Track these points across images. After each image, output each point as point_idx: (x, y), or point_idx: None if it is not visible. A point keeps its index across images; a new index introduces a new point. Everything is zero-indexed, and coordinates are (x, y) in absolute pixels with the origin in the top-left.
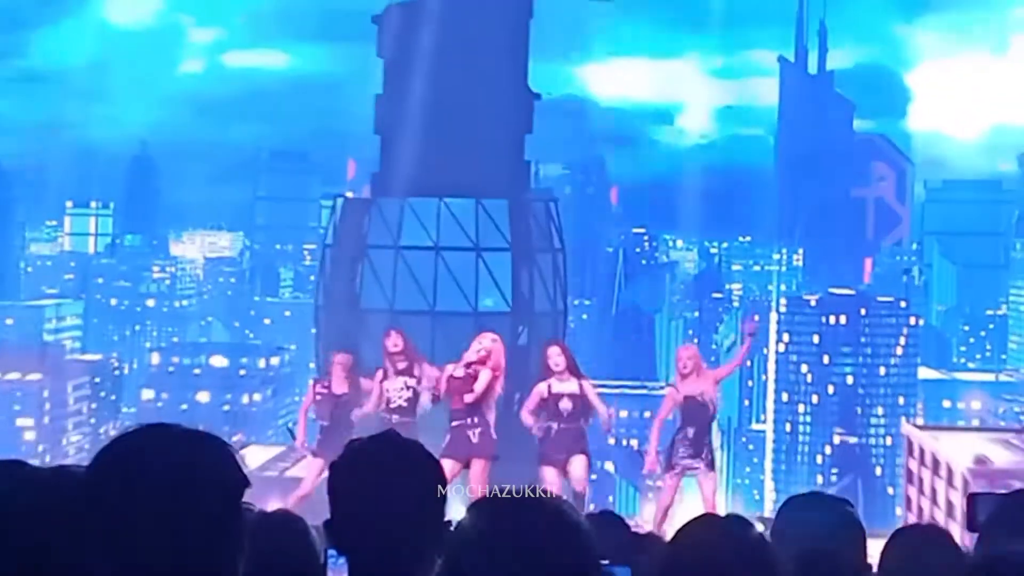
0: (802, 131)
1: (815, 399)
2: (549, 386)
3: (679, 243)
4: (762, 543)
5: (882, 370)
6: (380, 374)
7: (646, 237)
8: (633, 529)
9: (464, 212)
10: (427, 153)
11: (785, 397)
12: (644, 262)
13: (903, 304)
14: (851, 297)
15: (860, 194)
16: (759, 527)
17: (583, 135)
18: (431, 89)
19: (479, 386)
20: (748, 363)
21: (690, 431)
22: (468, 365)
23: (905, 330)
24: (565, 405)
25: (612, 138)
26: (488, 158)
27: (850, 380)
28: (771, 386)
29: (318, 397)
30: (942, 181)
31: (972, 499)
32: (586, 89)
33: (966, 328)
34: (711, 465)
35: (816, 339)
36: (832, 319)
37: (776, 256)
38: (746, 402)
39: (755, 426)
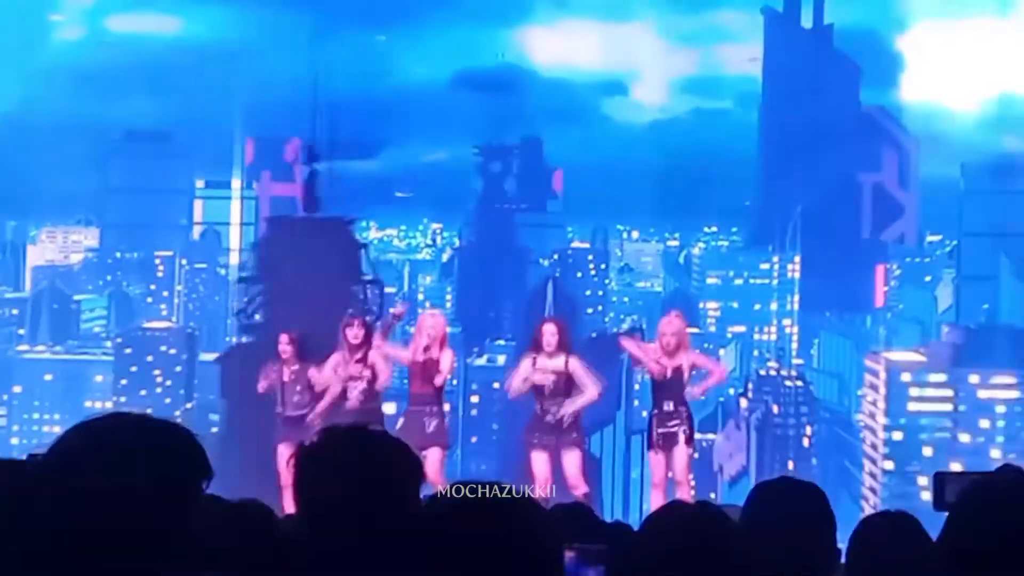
0: (795, 100)
1: None
2: (534, 360)
3: (635, 234)
4: (729, 530)
5: None
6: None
7: (591, 256)
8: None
9: None
10: None
11: None
12: (588, 294)
13: None
14: None
15: (868, 180)
16: (728, 514)
17: (519, 111)
18: None
19: (445, 367)
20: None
21: (668, 405)
22: (427, 349)
23: None
24: (544, 380)
25: (555, 113)
26: None
27: None
28: None
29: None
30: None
31: (939, 478)
32: (526, 56)
33: None
34: (689, 440)
35: None
36: None
37: (764, 266)
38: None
39: None
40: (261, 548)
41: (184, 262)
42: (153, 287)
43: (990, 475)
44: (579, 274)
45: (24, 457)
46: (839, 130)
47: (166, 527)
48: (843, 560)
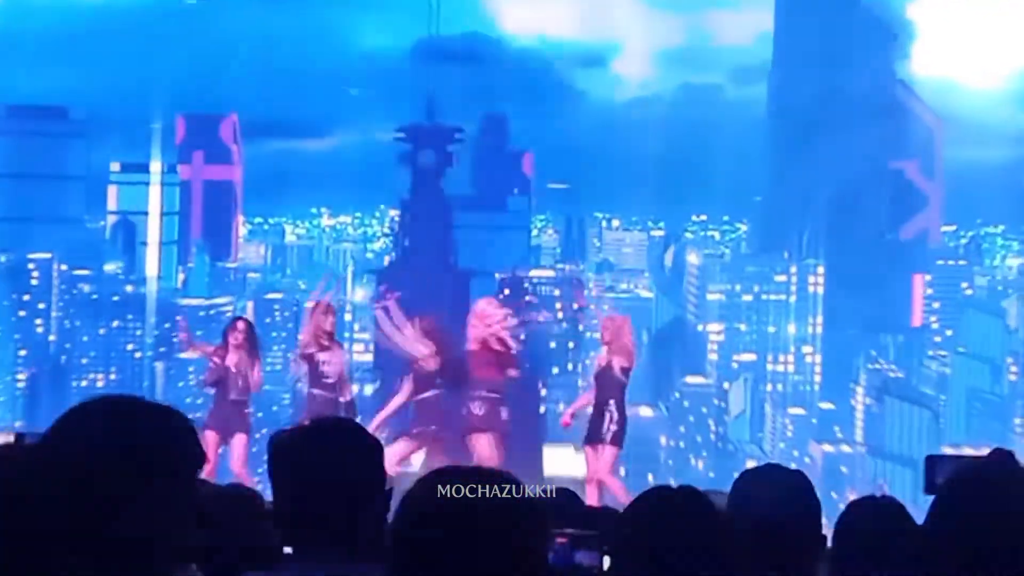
0: (813, 73)
1: None
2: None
3: (615, 223)
4: (716, 514)
5: None
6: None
7: (557, 291)
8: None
9: None
10: None
11: None
12: (552, 346)
13: None
14: None
15: (898, 167)
16: (714, 500)
17: (484, 85)
18: None
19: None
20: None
21: (611, 403)
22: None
23: None
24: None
25: (525, 89)
26: None
27: None
28: None
29: (212, 364)
30: None
31: (929, 461)
32: (494, 25)
33: None
34: (616, 440)
35: None
36: None
37: (780, 278)
38: None
39: None
40: (253, 532)
41: (63, 267)
42: (27, 297)
43: (978, 459)
44: (541, 318)
45: None
46: (867, 109)
47: (168, 512)
48: (829, 545)
